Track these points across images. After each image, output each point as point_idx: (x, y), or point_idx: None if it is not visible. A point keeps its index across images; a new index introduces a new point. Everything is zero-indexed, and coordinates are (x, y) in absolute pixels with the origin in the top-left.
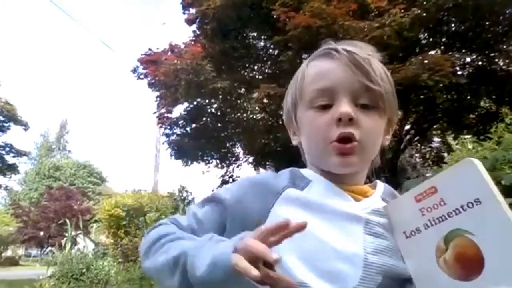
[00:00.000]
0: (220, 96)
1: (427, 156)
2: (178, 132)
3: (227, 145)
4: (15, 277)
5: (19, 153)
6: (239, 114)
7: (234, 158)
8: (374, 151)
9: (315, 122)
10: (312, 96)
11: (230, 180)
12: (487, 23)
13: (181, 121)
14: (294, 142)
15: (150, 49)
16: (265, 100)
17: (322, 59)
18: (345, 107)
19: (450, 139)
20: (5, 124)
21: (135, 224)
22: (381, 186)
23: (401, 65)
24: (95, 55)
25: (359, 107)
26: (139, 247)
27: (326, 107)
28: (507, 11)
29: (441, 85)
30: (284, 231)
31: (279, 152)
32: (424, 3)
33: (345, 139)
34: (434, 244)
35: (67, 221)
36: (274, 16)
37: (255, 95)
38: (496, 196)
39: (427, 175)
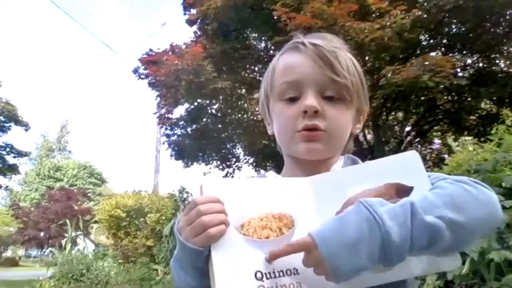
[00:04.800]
0: (221, 97)
1: (428, 157)
2: (179, 133)
3: (228, 146)
4: (15, 278)
5: (19, 154)
6: (239, 115)
7: (234, 159)
8: (342, 140)
9: (284, 114)
10: (281, 89)
11: None
12: (487, 24)
13: (182, 122)
14: (270, 132)
15: (151, 50)
16: None
17: (290, 52)
18: (310, 100)
19: (450, 140)
20: (5, 125)
21: (135, 225)
22: (341, 159)
23: (402, 67)
24: (96, 55)
25: (326, 99)
26: (139, 248)
27: (294, 99)
28: (508, 13)
29: (441, 86)
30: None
31: (279, 153)
32: (425, 4)
33: (310, 129)
34: None
35: (68, 221)
36: (275, 17)
37: (256, 96)
38: None
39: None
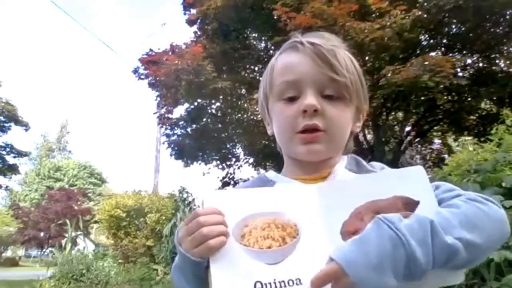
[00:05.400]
0: (221, 97)
1: (428, 157)
2: (179, 133)
3: (228, 146)
4: (15, 278)
5: (19, 154)
6: (239, 115)
7: (234, 159)
8: (342, 139)
9: (283, 114)
10: (280, 89)
11: (232, 182)
12: (487, 24)
13: (182, 122)
14: (269, 132)
15: (151, 50)
16: None
17: (289, 52)
18: (310, 99)
19: (450, 140)
20: (5, 125)
21: (135, 225)
22: (344, 159)
23: (402, 66)
24: (96, 55)
25: (325, 98)
26: (139, 248)
27: (293, 99)
28: (508, 13)
29: (441, 86)
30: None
31: (279, 153)
32: (425, 4)
33: (309, 129)
34: None
35: (68, 221)
36: (275, 17)
37: (256, 96)
38: None
39: (428, 176)
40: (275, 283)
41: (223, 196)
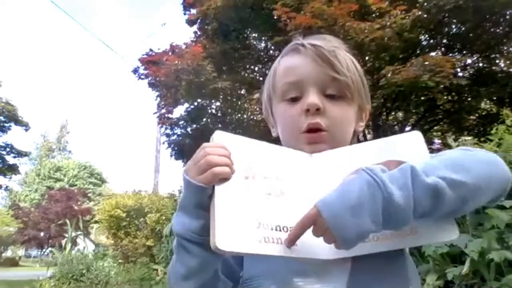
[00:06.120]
0: (221, 97)
1: None
2: (179, 133)
3: None
4: (15, 278)
5: (19, 154)
6: (239, 115)
7: None
8: (345, 138)
9: (287, 114)
10: (283, 90)
11: None
12: (487, 24)
13: (182, 122)
14: (274, 134)
15: (151, 50)
16: None
17: (291, 54)
18: (312, 98)
19: (450, 140)
20: (5, 125)
21: (135, 225)
22: None
23: (402, 67)
24: (96, 55)
25: (327, 97)
26: (139, 248)
27: (296, 99)
28: (508, 13)
29: (441, 86)
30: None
31: None
32: (425, 4)
33: (313, 129)
34: None
35: (68, 221)
36: (275, 17)
37: (256, 96)
38: None
39: None
40: (271, 226)
41: (232, 138)
